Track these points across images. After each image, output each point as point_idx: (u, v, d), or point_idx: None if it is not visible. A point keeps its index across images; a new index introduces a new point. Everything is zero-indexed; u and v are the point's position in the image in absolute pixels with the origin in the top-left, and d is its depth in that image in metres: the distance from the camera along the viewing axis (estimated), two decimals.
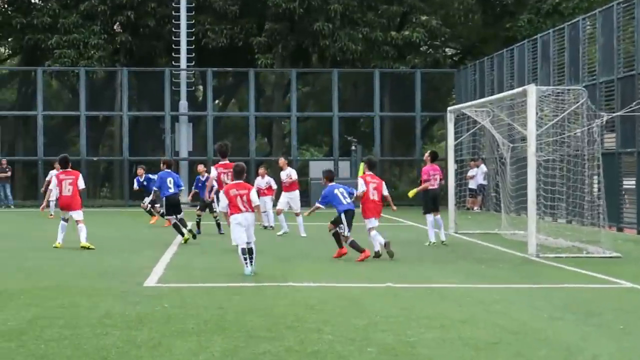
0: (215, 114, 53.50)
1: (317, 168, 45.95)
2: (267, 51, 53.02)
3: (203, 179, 30.39)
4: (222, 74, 56.83)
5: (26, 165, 54.05)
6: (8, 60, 66.43)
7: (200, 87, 57.64)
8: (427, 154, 26.02)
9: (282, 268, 18.80)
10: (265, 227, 29.84)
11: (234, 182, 18.00)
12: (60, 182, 23.31)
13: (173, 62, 51.34)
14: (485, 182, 42.27)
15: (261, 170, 31.21)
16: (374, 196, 21.33)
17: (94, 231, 25.11)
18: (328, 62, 54.14)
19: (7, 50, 65.62)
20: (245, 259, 17.46)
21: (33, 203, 45.89)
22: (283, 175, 29.63)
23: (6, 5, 56.04)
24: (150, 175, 33.46)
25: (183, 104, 50.48)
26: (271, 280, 16.77)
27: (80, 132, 49.73)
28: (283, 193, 29.18)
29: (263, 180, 30.30)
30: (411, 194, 25.73)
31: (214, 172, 24.80)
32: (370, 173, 21.71)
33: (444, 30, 53.92)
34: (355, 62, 53.14)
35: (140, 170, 35.18)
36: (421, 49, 54.13)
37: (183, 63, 50.74)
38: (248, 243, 17.55)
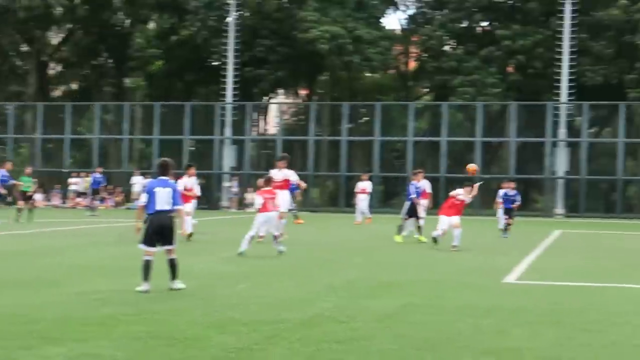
0: (589, 140, 51.88)
1: None
2: (637, 86, 51.15)
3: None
4: (596, 107, 54.99)
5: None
6: (423, 97, 68.22)
7: (578, 118, 56.17)
8: None
9: (627, 271, 17.80)
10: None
11: None
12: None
13: (554, 98, 50.59)
14: None
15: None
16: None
17: None
18: None
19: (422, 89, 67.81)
20: None
21: None
22: None
23: (423, 53, 58.50)
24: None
25: (562, 132, 49.68)
26: (615, 281, 15.94)
27: (475, 155, 50.03)
28: None
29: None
30: None
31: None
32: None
33: None
34: None
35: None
36: None
37: (563, 98, 50.17)
38: None
